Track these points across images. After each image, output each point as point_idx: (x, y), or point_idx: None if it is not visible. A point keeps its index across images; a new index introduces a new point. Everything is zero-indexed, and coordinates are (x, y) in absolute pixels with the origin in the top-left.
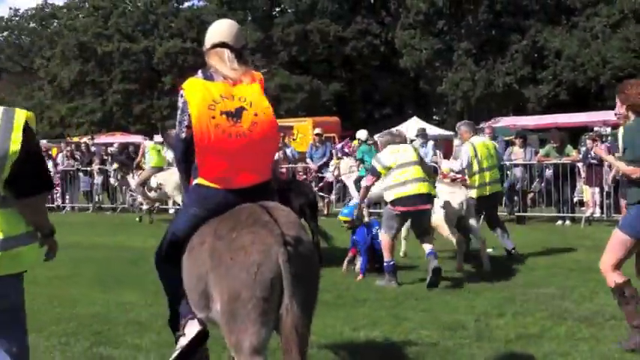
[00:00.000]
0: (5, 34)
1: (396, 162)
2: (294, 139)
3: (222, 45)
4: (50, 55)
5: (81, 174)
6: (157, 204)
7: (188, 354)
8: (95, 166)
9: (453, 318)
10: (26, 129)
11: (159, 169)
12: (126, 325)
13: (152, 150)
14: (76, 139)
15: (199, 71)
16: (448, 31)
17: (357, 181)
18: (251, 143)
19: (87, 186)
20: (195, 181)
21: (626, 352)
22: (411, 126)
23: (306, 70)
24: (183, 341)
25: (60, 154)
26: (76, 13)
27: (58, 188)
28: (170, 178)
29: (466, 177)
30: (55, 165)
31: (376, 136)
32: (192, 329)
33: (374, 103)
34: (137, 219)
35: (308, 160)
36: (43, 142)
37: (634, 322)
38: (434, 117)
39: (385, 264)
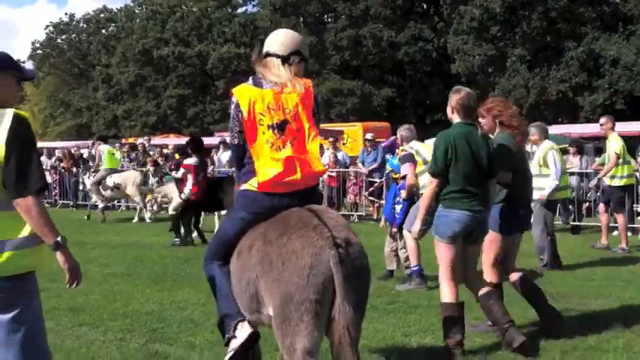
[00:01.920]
0: (63, 37)
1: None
2: (344, 144)
3: (269, 55)
4: (107, 58)
5: None
6: (111, 202)
7: (240, 356)
8: (150, 167)
9: None
10: (11, 137)
11: (113, 170)
12: (180, 323)
13: (108, 153)
14: (131, 140)
15: (250, 78)
16: (502, 37)
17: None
18: (296, 154)
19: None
20: (242, 186)
21: None
22: None
23: (357, 75)
24: (235, 343)
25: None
26: (133, 17)
27: None
28: (129, 179)
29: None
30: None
31: (400, 130)
32: (243, 332)
33: (425, 109)
34: (86, 217)
35: (359, 164)
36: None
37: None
38: None
39: (414, 269)
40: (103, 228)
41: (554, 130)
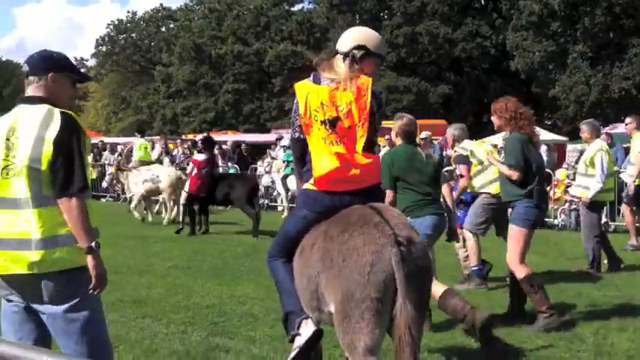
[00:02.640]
0: (124, 35)
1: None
2: None
3: (337, 53)
4: (167, 56)
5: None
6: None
7: (305, 353)
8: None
9: (569, 330)
10: (59, 137)
11: (144, 163)
12: (240, 317)
13: (140, 147)
14: (191, 137)
15: (312, 74)
16: (562, 33)
17: (284, 179)
18: (347, 152)
19: None
20: (304, 185)
21: None
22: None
23: (413, 72)
24: (300, 341)
25: (176, 150)
26: (192, 15)
27: None
28: (164, 174)
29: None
30: (172, 161)
31: (451, 129)
32: (307, 329)
33: (482, 106)
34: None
35: None
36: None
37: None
38: (546, 121)
39: (474, 269)
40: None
41: (621, 128)
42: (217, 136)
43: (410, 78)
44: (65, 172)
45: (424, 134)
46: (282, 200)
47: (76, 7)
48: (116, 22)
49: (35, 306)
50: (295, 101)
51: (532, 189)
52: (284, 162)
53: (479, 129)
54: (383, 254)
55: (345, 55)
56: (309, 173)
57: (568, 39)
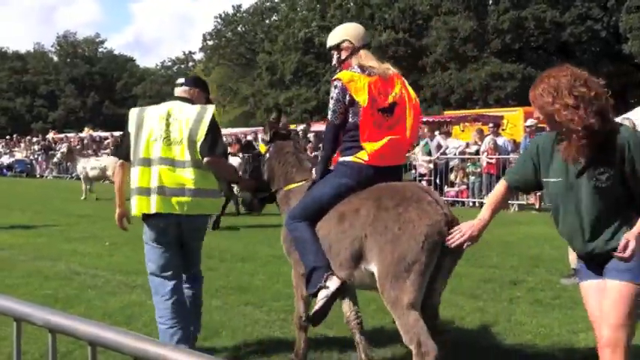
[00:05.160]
0: (231, 27)
1: None
2: (503, 130)
3: (364, 47)
4: (271, 46)
5: None
6: None
7: (330, 304)
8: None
9: None
10: (212, 121)
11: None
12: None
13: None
14: (293, 127)
15: (355, 65)
16: None
17: None
18: (398, 134)
19: None
20: (348, 158)
21: None
22: (636, 117)
23: (519, 58)
24: (326, 292)
25: None
26: (295, 7)
27: None
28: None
29: None
30: None
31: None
32: (333, 282)
33: None
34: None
35: (521, 151)
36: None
37: None
38: None
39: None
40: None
41: None
42: (316, 126)
43: (515, 64)
44: (214, 144)
45: (529, 121)
46: None
47: (188, 1)
48: (223, 16)
49: None
50: (339, 90)
51: None
52: None
53: None
54: (435, 228)
55: (360, 48)
56: (351, 150)
57: None
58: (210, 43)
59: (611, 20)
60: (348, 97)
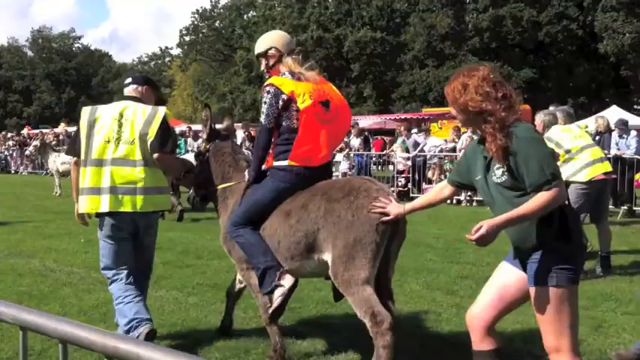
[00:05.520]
0: (208, 22)
1: (577, 145)
2: None
3: (292, 52)
4: (249, 43)
5: None
6: None
7: (286, 300)
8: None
9: None
10: (162, 121)
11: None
12: (316, 304)
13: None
14: None
15: (285, 72)
16: None
17: None
18: (334, 128)
19: None
20: (281, 163)
21: None
22: (610, 115)
23: (496, 56)
24: (281, 290)
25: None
26: (273, 3)
27: None
28: None
29: None
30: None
31: (540, 115)
32: (287, 280)
33: (568, 91)
34: None
35: None
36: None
37: None
38: (635, 106)
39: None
40: None
41: None
42: None
43: (492, 62)
44: (164, 142)
45: None
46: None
47: None
48: (200, 11)
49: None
50: (272, 95)
51: None
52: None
53: None
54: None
55: (303, 54)
56: (284, 154)
57: None
58: (187, 38)
59: (587, 19)
60: (281, 102)
